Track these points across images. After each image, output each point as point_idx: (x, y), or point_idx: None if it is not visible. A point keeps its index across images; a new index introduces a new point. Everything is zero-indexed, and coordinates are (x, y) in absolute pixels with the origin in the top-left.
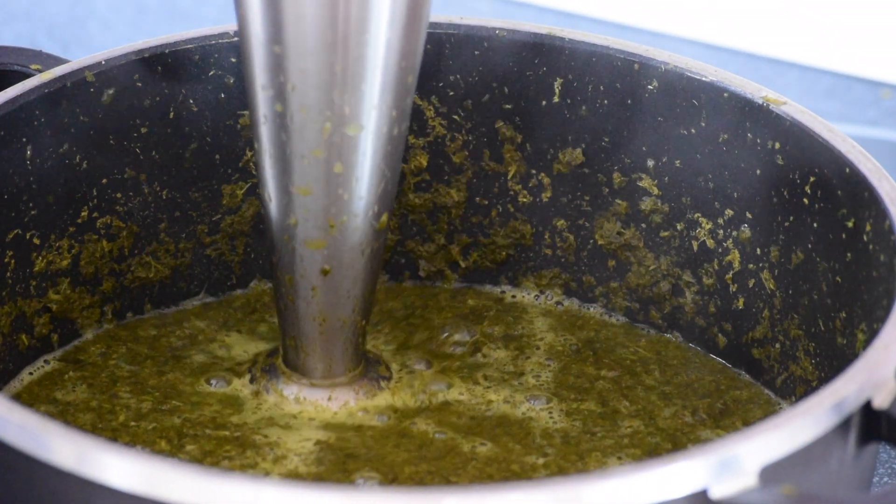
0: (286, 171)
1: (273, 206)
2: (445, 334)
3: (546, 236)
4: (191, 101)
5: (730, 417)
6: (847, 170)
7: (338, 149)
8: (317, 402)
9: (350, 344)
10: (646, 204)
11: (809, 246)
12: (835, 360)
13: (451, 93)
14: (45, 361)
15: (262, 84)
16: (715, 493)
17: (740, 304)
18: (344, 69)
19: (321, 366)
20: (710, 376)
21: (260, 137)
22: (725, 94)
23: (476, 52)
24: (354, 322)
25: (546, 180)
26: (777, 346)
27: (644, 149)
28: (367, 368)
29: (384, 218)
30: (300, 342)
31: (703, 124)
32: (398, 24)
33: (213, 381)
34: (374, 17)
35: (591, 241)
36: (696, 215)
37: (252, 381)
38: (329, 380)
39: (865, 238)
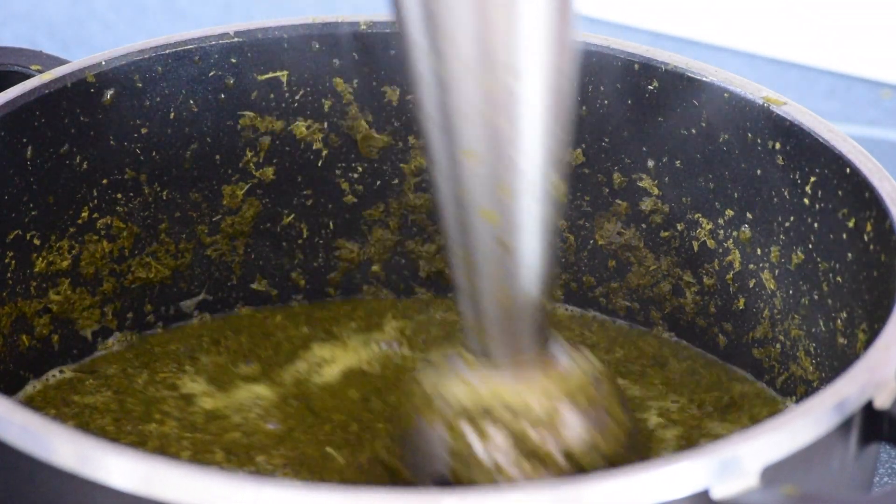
0: (451, 134)
1: (443, 179)
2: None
3: None
4: (191, 102)
5: (736, 412)
6: (847, 170)
7: (501, 104)
8: (504, 384)
9: (534, 322)
10: (646, 204)
11: (810, 246)
12: (835, 361)
13: None
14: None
15: (421, 46)
16: (716, 494)
17: (741, 304)
18: (498, 18)
19: (505, 347)
20: (710, 375)
21: (424, 105)
22: (725, 95)
23: None
24: (536, 299)
25: None
26: (777, 346)
27: (644, 149)
28: (551, 347)
29: (558, 182)
30: (482, 324)
31: (704, 124)
32: None
33: None
34: None
35: (592, 241)
36: (696, 215)
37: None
38: (515, 359)
39: (866, 238)
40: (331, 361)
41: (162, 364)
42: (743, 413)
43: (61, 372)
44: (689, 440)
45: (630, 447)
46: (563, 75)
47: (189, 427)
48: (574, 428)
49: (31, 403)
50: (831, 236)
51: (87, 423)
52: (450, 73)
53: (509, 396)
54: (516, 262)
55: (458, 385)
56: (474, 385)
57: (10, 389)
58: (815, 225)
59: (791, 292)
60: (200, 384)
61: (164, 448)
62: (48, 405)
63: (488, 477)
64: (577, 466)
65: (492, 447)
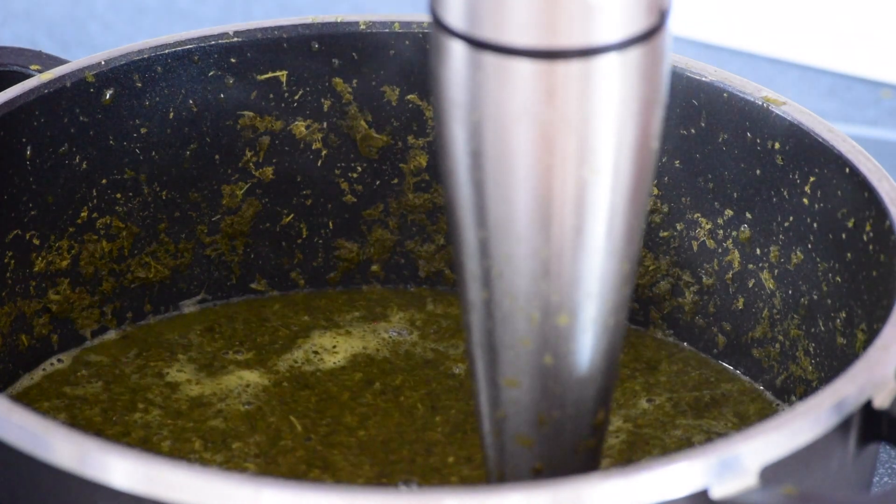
0: (494, 362)
1: (482, 399)
2: None
3: None
4: (190, 102)
5: (717, 409)
6: (847, 170)
7: (547, 339)
8: None
9: None
10: None
11: (809, 246)
12: (835, 361)
13: None
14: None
15: (470, 270)
16: (715, 493)
17: (740, 304)
18: (550, 256)
19: None
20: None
21: (469, 325)
22: (725, 94)
23: None
24: None
25: None
26: (777, 346)
27: None
28: None
29: (601, 415)
30: None
31: (703, 124)
32: (618, 214)
33: None
34: (585, 203)
35: None
36: (695, 215)
37: None
38: None
39: (865, 238)
40: (331, 350)
41: (154, 353)
42: (727, 410)
43: (60, 361)
44: (639, 437)
45: None
46: (614, 314)
47: (172, 414)
48: None
49: (27, 396)
50: (830, 236)
51: (75, 415)
52: (497, 304)
53: None
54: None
55: None
56: None
57: (5, 384)
58: (815, 225)
59: (790, 292)
60: (187, 373)
61: (147, 437)
62: (42, 397)
63: None
64: None
65: None
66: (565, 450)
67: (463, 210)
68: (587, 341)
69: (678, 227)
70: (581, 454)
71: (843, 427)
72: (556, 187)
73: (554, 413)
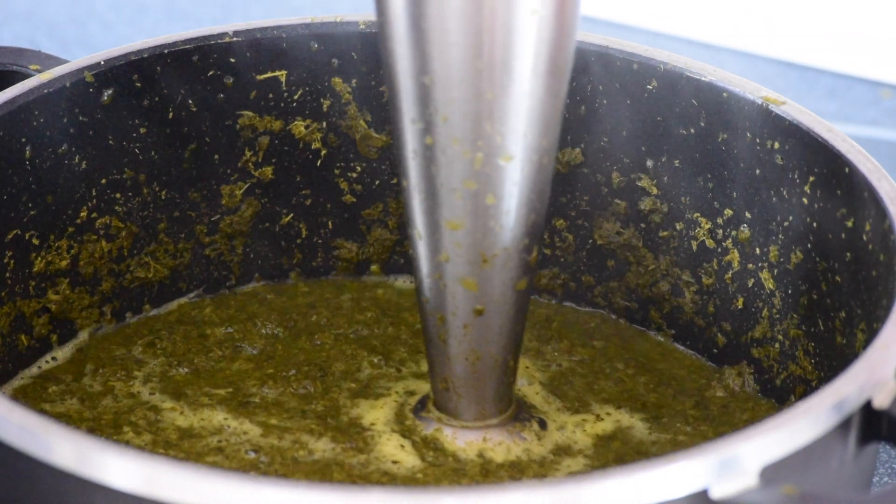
0: (437, 206)
1: (423, 244)
2: None
3: (545, 236)
4: (190, 102)
5: (717, 408)
6: (846, 169)
7: (489, 179)
8: (476, 450)
9: (502, 384)
10: (645, 204)
11: (809, 245)
12: (834, 360)
13: None
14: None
15: (412, 118)
16: (715, 493)
17: (739, 303)
18: (493, 97)
19: (474, 407)
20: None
21: (408, 173)
22: (724, 94)
23: None
24: (506, 361)
25: None
26: (776, 345)
27: (643, 149)
28: (518, 410)
29: (535, 252)
30: (452, 383)
31: (703, 124)
32: (545, 48)
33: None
34: (520, 41)
35: (591, 240)
36: (695, 215)
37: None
38: (482, 421)
39: (865, 238)
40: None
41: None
42: (726, 409)
43: (21, 379)
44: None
45: None
46: (547, 153)
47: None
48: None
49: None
50: (830, 236)
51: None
52: (440, 149)
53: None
54: (490, 327)
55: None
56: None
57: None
58: (814, 224)
59: (790, 292)
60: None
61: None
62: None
63: None
64: None
65: None
66: (505, 288)
67: (406, 60)
68: (525, 180)
69: (678, 227)
70: (518, 294)
71: (843, 427)
72: (487, 28)
73: (495, 251)
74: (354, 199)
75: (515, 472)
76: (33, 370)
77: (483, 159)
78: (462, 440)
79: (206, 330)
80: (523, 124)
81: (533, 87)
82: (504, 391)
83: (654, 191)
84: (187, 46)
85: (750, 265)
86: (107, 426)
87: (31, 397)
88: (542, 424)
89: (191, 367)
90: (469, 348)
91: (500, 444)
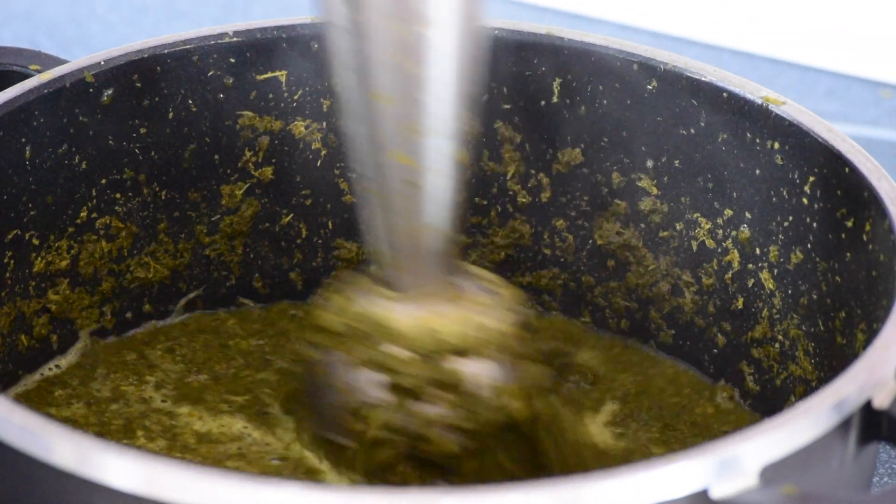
0: (367, 81)
1: (357, 122)
2: None
3: (545, 236)
4: (190, 102)
5: (717, 409)
6: (847, 170)
7: (412, 50)
8: (414, 312)
9: (440, 256)
10: (645, 204)
11: (809, 246)
12: (834, 360)
13: None
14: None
15: None
16: (715, 493)
17: (739, 303)
18: None
19: (411, 279)
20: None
21: (338, 50)
22: (724, 94)
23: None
24: (443, 233)
25: (545, 180)
26: (776, 345)
27: (643, 149)
28: (460, 279)
29: (467, 120)
30: (393, 256)
31: (703, 124)
32: None
33: None
34: None
35: (591, 241)
36: (695, 215)
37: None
38: (423, 289)
39: (865, 238)
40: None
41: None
42: (726, 409)
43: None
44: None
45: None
46: (471, 21)
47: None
48: (482, 358)
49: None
50: (830, 236)
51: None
52: (364, 21)
53: (418, 322)
54: (425, 199)
55: (372, 309)
56: (385, 311)
57: (5, 384)
58: (814, 224)
59: (790, 292)
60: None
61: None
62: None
63: (409, 397)
64: (487, 396)
65: (408, 371)
66: (439, 159)
67: None
68: (450, 49)
69: (678, 227)
70: (452, 162)
71: (843, 427)
72: None
73: (427, 123)
74: (355, 200)
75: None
76: (35, 376)
77: (406, 29)
78: (401, 311)
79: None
80: None
81: None
82: (444, 263)
83: (655, 191)
84: (187, 46)
85: (750, 265)
86: (117, 431)
87: (35, 401)
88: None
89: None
90: (405, 221)
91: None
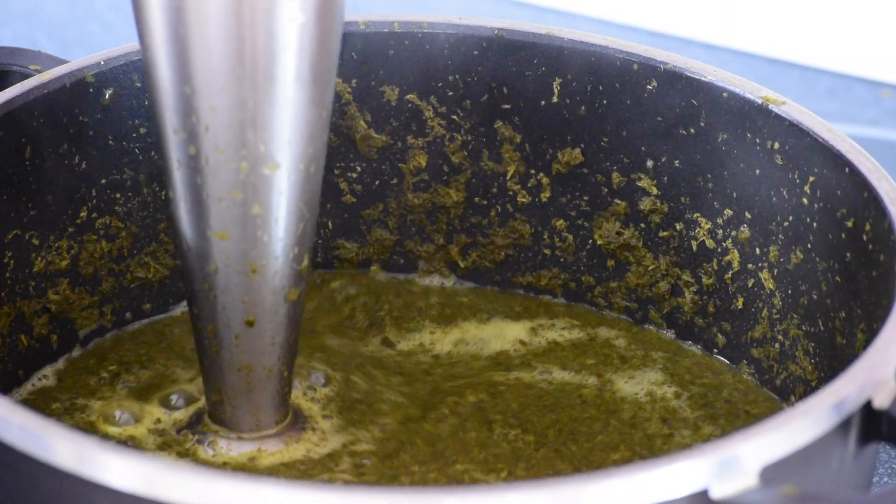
0: (203, 216)
1: (192, 255)
2: None
3: (545, 236)
4: None
5: (717, 408)
6: (847, 170)
7: (255, 189)
8: (247, 456)
9: (277, 394)
10: (645, 204)
11: (809, 246)
12: (834, 360)
13: (450, 93)
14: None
15: (174, 127)
16: (715, 493)
17: (739, 303)
18: (255, 105)
19: (249, 418)
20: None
21: (174, 183)
22: (724, 94)
23: (475, 53)
24: (280, 371)
25: (545, 180)
26: (776, 345)
27: (643, 149)
28: (295, 419)
29: (306, 261)
30: (226, 395)
31: (702, 124)
32: (306, 55)
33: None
34: (281, 48)
35: (591, 241)
36: (695, 215)
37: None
38: (257, 433)
39: (865, 238)
40: None
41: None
42: (726, 409)
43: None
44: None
45: None
46: (314, 162)
47: None
48: None
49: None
50: (830, 236)
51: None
52: (204, 158)
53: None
54: (261, 337)
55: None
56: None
57: (5, 384)
58: (814, 225)
59: (790, 292)
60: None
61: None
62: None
63: None
64: None
65: None
66: (276, 299)
67: (166, 69)
68: (291, 189)
69: (678, 227)
70: (290, 304)
71: (843, 427)
72: (248, 35)
73: (264, 262)
74: (354, 199)
75: (283, 468)
76: (36, 376)
77: (248, 168)
78: (236, 451)
79: None
80: (288, 132)
81: (296, 95)
82: (279, 401)
83: (654, 191)
84: None
85: (750, 265)
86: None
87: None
88: (316, 432)
89: None
90: (241, 360)
91: (274, 455)
